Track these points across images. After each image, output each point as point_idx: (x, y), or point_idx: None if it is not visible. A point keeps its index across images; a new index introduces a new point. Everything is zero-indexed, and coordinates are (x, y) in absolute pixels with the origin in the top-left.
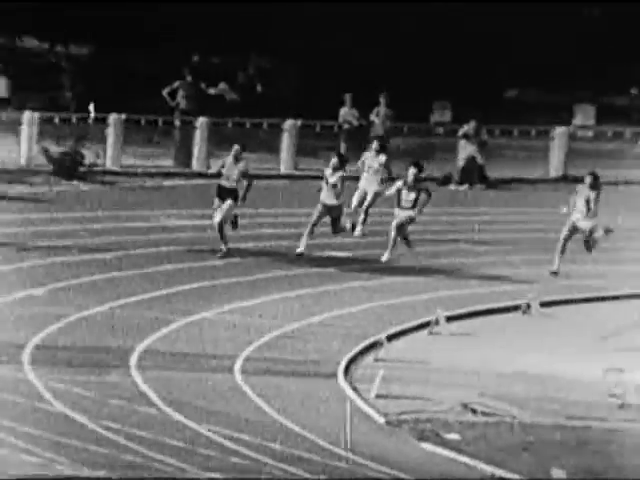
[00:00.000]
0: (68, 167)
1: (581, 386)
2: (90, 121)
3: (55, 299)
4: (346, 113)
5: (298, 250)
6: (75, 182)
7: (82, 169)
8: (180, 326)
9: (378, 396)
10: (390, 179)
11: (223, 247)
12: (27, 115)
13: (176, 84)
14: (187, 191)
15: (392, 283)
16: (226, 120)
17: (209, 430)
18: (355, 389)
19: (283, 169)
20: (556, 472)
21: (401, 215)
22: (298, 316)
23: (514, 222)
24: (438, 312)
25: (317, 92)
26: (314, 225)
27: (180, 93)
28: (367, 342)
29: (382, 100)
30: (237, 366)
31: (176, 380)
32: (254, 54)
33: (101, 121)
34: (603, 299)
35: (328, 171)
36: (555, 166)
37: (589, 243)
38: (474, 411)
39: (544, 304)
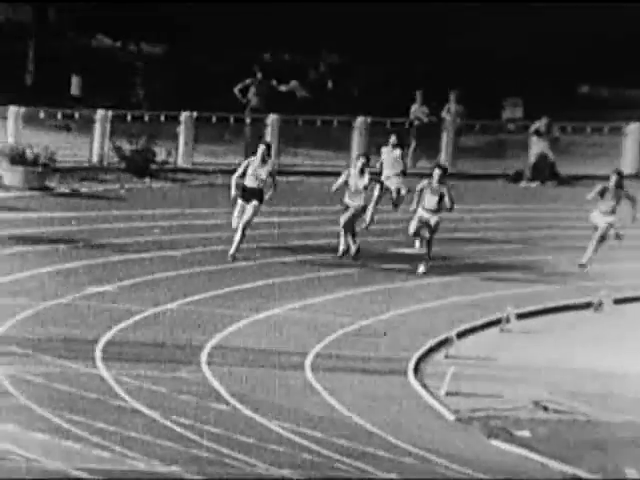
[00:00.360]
0: (140, 165)
1: None
2: (162, 119)
3: (126, 296)
4: (417, 110)
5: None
6: (146, 180)
7: (154, 167)
8: (250, 322)
9: (448, 393)
10: (403, 173)
11: (233, 250)
12: (100, 113)
13: (247, 81)
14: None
15: (462, 280)
16: (297, 117)
17: (279, 426)
18: (425, 386)
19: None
20: (630, 472)
21: (425, 217)
22: (368, 313)
23: (586, 219)
24: (509, 309)
25: (388, 89)
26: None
27: (251, 90)
28: (437, 339)
29: (452, 97)
30: (307, 362)
31: (246, 376)
32: (325, 51)
33: (173, 119)
34: None
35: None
36: (628, 162)
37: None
38: (545, 408)
39: (617, 301)
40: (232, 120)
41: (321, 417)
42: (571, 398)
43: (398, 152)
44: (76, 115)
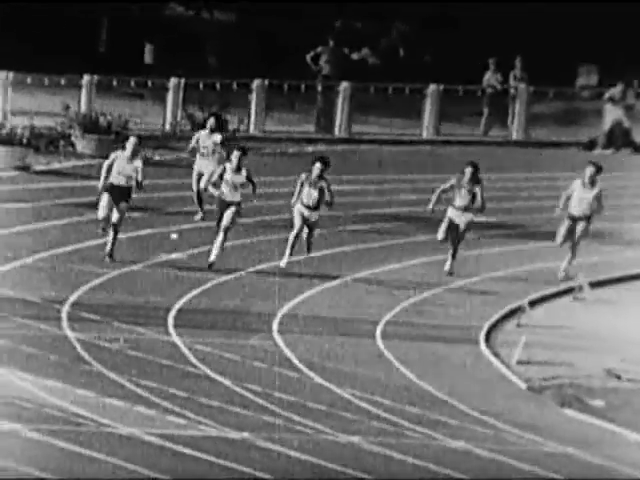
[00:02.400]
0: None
1: None
2: (234, 87)
3: (198, 263)
4: (490, 77)
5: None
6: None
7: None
8: (322, 290)
9: (520, 362)
10: (227, 159)
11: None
12: (173, 81)
13: (319, 49)
14: (330, 156)
15: (535, 248)
16: (368, 85)
17: (350, 393)
18: (497, 355)
19: (425, 135)
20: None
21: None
22: (440, 281)
23: None
24: (581, 278)
25: (459, 56)
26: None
27: (323, 58)
28: (509, 308)
29: (518, 63)
30: (379, 330)
31: (318, 344)
32: (397, 19)
33: (244, 87)
34: None
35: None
36: None
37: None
38: (618, 377)
39: None
40: (304, 88)
41: (391, 385)
42: None
43: (218, 137)
44: (149, 83)
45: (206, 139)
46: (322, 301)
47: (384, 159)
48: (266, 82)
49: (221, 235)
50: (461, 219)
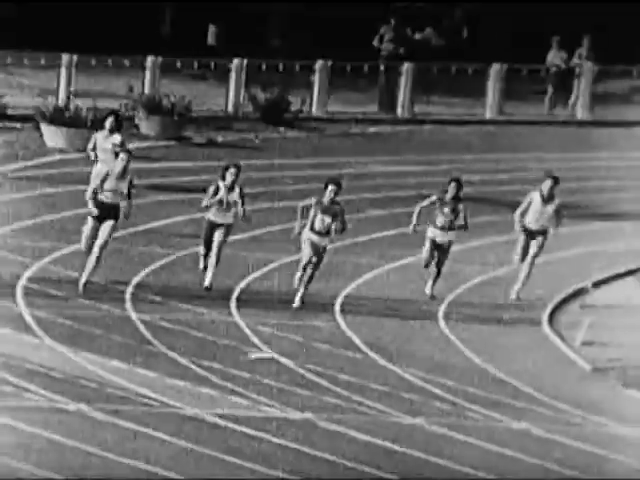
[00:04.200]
0: (275, 114)
1: None
2: (297, 68)
3: (260, 245)
4: (554, 56)
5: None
6: (281, 129)
7: (288, 116)
8: (384, 271)
9: (584, 343)
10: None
11: None
12: (235, 62)
13: (382, 30)
14: (392, 137)
15: (600, 229)
16: (431, 65)
17: (412, 374)
18: (560, 336)
19: (489, 114)
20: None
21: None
22: (504, 262)
23: None
24: None
25: (522, 36)
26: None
27: (386, 38)
28: (573, 289)
29: (585, 42)
30: (440, 312)
31: (380, 325)
32: None
33: (307, 68)
34: None
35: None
36: None
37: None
38: None
39: None
40: (366, 68)
41: (454, 366)
42: None
43: (118, 138)
44: (212, 64)
45: (104, 141)
46: (385, 282)
47: (447, 139)
48: (329, 63)
49: (214, 258)
50: (444, 239)
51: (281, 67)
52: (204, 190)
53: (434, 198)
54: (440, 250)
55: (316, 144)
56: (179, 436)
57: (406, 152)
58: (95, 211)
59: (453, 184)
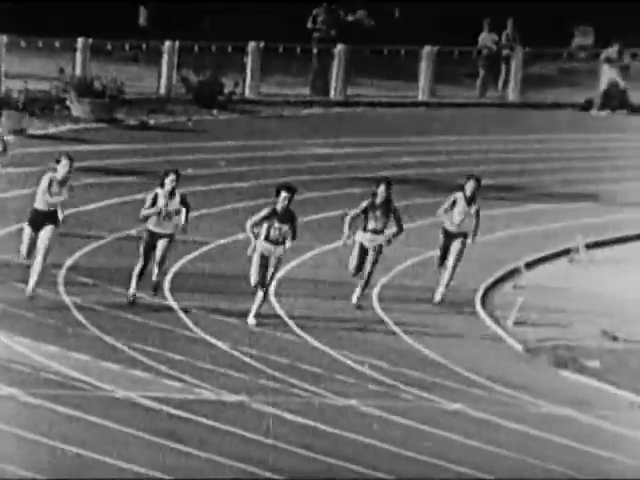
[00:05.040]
0: (207, 96)
1: None
2: (229, 50)
3: (194, 227)
4: (485, 38)
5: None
6: (214, 111)
7: (221, 98)
8: (319, 253)
9: (517, 323)
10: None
11: None
12: (167, 44)
13: (315, 11)
14: (326, 119)
15: (532, 210)
16: (363, 47)
17: (346, 356)
18: (493, 317)
19: (421, 96)
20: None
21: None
22: (435, 243)
23: None
24: (578, 239)
25: (454, 18)
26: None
27: (319, 20)
28: (505, 270)
29: (509, 24)
30: (374, 293)
31: (314, 307)
32: None
33: (240, 50)
34: None
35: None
36: None
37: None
38: (615, 338)
39: None
40: (299, 51)
41: (388, 348)
42: None
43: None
44: (143, 46)
45: None
46: (318, 264)
47: (380, 122)
48: (261, 45)
49: (156, 269)
50: (374, 243)
51: (213, 49)
52: (136, 173)
53: (364, 205)
54: (369, 255)
55: (249, 126)
56: (112, 419)
57: (339, 134)
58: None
59: (382, 186)
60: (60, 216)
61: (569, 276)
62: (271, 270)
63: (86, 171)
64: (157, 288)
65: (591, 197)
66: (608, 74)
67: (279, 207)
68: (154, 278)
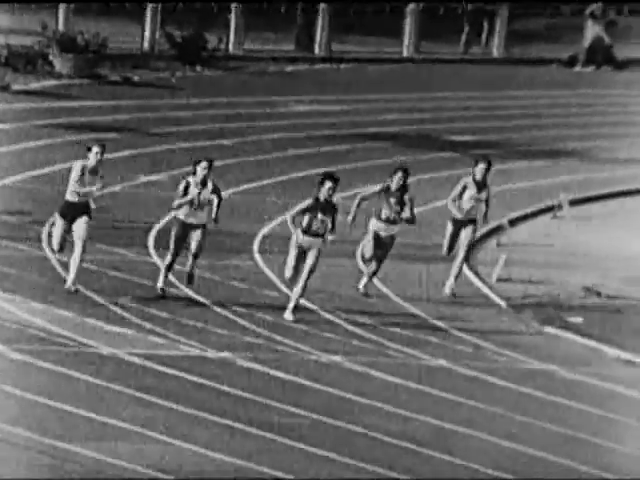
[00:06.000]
0: (191, 52)
1: None
2: (213, 6)
3: (172, 184)
4: None
5: None
6: (198, 67)
7: (205, 54)
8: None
9: (500, 280)
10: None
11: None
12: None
13: None
14: (310, 76)
15: (517, 168)
16: (348, 4)
17: (331, 313)
18: (477, 273)
19: (406, 53)
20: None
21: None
22: (420, 200)
23: None
24: (562, 196)
25: None
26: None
27: None
28: (489, 226)
29: None
30: (359, 250)
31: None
32: None
33: (224, 6)
34: None
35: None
36: None
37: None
38: (598, 294)
39: None
40: (283, 9)
41: (371, 304)
42: (624, 283)
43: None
44: (126, 2)
45: None
46: None
47: (365, 78)
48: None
49: (191, 260)
50: (388, 232)
51: (197, 5)
52: (120, 130)
53: (377, 188)
54: (382, 245)
55: (233, 83)
56: (97, 375)
57: (324, 91)
58: None
59: (400, 173)
60: (92, 206)
61: (552, 233)
62: (310, 263)
63: (69, 128)
64: (192, 279)
65: (575, 154)
66: (593, 30)
67: (322, 197)
68: (188, 269)
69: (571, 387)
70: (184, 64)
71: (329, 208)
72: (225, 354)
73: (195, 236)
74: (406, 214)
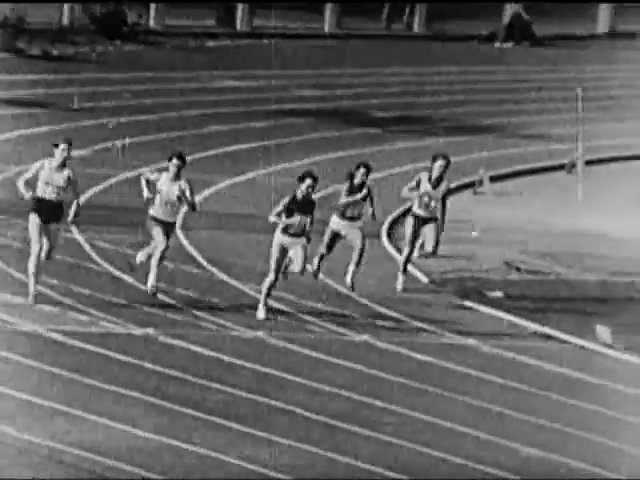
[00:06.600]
0: (111, 26)
1: (626, 243)
2: None
3: (100, 159)
4: None
5: None
6: (118, 42)
7: (125, 29)
8: (226, 186)
9: (421, 255)
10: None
11: None
12: None
13: None
14: (231, 51)
15: (437, 144)
16: None
17: (253, 289)
18: (399, 249)
19: (327, 28)
20: (600, 329)
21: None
22: (341, 177)
23: (561, 80)
24: (482, 172)
25: None
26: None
27: None
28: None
29: None
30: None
31: (221, 240)
32: None
33: None
34: None
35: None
36: (603, 21)
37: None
38: (518, 269)
39: (589, 162)
40: None
41: (294, 280)
42: (543, 258)
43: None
44: None
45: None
46: (225, 197)
47: (287, 54)
48: None
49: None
50: (353, 230)
51: None
52: (39, 104)
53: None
54: (356, 247)
55: (154, 58)
56: (18, 352)
57: (246, 67)
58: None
59: (362, 169)
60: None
61: (473, 208)
62: (301, 257)
63: None
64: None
65: (494, 129)
66: (511, 6)
67: (300, 195)
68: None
69: (491, 361)
70: (104, 38)
71: (308, 206)
72: (147, 330)
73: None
74: (370, 210)
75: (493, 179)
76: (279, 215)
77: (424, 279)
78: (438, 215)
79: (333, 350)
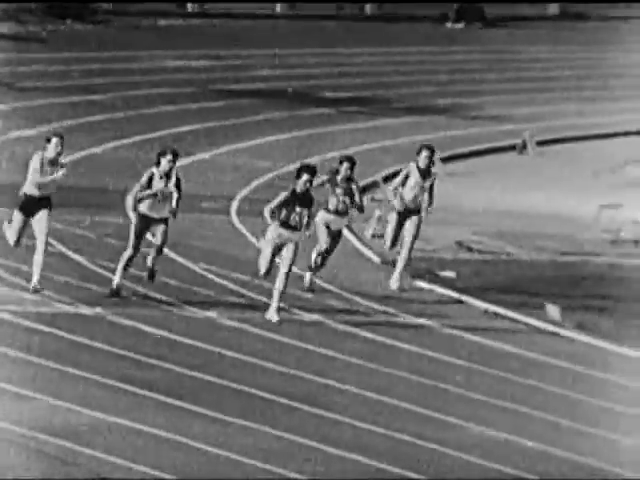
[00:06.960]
0: (61, 5)
1: (576, 223)
2: None
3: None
4: None
5: None
6: (68, 21)
7: (75, 7)
8: (182, 167)
9: (374, 236)
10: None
11: None
12: None
13: None
14: (183, 31)
15: (389, 124)
16: None
17: (206, 269)
18: (350, 229)
19: (279, 8)
20: (550, 308)
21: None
22: (294, 157)
23: (512, 61)
24: (526, 134)
25: None
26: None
27: None
28: (363, 183)
29: None
30: (234, 207)
31: (177, 222)
32: None
33: None
34: (598, 137)
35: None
36: (553, 4)
37: None
38: (469, 249)
39: (540, 143)
40: None
41: (248, 261)
42: (495, 238)
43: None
44: None
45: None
46: (184, 179)
47: (238, 34)
48: None
49: (154, 254)
50: (337, 225)
51: None
52: None
53: (324, 178)
54: (332, 237)
55: (104, 37)
56: None
57: (196, 46)
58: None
59: (346, 163)
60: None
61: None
62: (289, 257)
63: None
64: (153, 275)
65: (446, 110)
66: None
67: (299, 189)
68: (149, 264)
69: (442, 340)
70: (54, 18)
71: (306, 200)
72: (97, 310)
73: (161, 230)
74: (355, 203)
75: (445, 160)
76: (273, 212)
77: (376, 259)
78: (423, 206)
79: (284, 330)
